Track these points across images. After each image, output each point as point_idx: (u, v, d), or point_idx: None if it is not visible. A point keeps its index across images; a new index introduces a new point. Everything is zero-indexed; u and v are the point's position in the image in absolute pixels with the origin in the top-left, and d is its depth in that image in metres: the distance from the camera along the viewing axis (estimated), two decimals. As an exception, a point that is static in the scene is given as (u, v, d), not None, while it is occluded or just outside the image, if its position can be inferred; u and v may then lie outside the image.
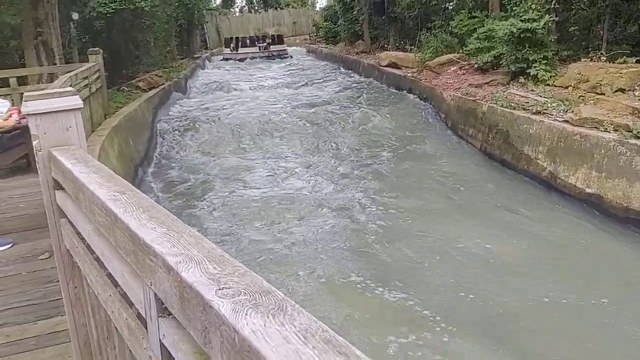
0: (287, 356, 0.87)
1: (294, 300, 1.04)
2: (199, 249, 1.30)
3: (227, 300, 1.05)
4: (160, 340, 1.46)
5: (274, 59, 35.41)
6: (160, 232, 1.43)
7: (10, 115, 8.06)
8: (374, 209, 9.48)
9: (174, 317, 1.31)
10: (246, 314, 0.99)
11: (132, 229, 1.50)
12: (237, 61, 34.83)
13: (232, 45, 38.12)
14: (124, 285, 1.78)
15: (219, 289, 1.09)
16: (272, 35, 40.57)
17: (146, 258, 1.40)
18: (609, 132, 8.69)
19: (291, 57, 35.85)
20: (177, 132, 15.39)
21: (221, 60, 35.73)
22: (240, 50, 37.67)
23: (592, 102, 9.95)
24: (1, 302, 4.36)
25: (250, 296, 1.05)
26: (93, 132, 10.54)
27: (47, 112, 2.60)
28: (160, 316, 1.43)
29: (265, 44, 38.60)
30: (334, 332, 0.92)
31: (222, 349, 1.02)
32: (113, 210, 1.68)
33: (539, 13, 12.00)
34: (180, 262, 1.24)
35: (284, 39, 40.82)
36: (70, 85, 7.95)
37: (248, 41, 39.64)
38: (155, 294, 1.41)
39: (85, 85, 10.38)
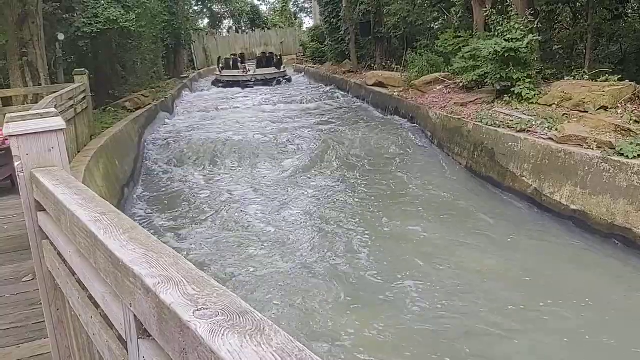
0: (263, 376, 0.87)
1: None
2: (177, 269, 1.29)
3: (205, 321, 1.04)
4: (140, 362, 1.44)
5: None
6: (140, 253, 1.43)
7: (-5, 136, 8.02)
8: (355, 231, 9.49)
9: (154, 339, 1.30)
10: (223, 335, 0.99)
11: (112, 250, 1.50)
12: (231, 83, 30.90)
13: (220, 65, 33.64)
14: (104, 307, 1.77)
15: (197, 310, 1.09)
16: (265, 55, 35.44)
17: (125, 279, 1.40)
18: (593, 149, 8.78)
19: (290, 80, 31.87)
20: (163, 152, 15.37)
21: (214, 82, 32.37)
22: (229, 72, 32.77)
23: (575, 119, 10.05)
24: (-17, 325, 4.30)
25: (228, 317, 1.05)
26: (79, 152, 10.50)
27: (29, 134, 2.59)
28: (140, 338, 1.42)
29: (244, 66, 32.93)
30: (311, 352, 0.92)
31: (200, 370, 1.02)
32: (93, 232, 1.68)
33: (522, 32, 12.15)
34: (158, 283, 1.23)
35: (282, 58, 35.40)
36: (55, 106, 7.93)
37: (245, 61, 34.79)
38: (135, 315, 1.40)
39: (70, 106, 10.34)
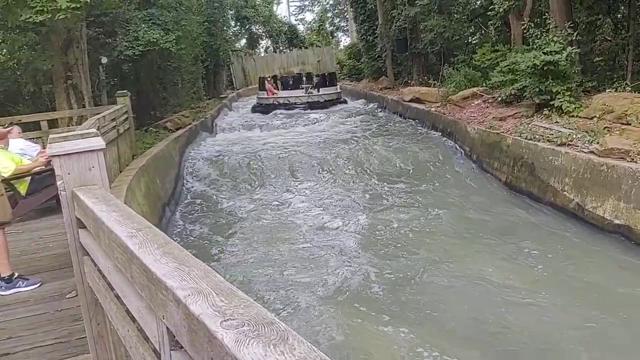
0: (284, 384, 0.90)
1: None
2: (207, 282, 1.33)
3: (231, 331, 1.08)
4: (173, 373, 1.48)
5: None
6: (172, 267, 1.47)
7: (42, 155, 8.29)
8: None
9: (185, 350, 1.34)
10: (248, 344, 1.02)
11: (146, 265, 1.55)
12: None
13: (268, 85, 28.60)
14: (140, 320, 1.82)
15: (224, 321, 1.13)
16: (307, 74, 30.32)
17: (159, 292, 1.44)
18: (636, 162, 8.58)
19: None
20: (203, 171, 15.59)
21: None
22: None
23: (617, 132, 9.84)
24: (29, 340, 4.42)
25: (253, 327, 1.08)
26: (121, 172, 10.74)
27: (70, 153, 2.69)
28: (172, 349, 1.46)
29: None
30: (332, 361, 0.95)
31: (226, 379, 1.05)
32: (129, 247, 1.74)
33: (561, 45, 12.00)
34: (189, 295, 1.27)
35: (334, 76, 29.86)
36: (98, 127, 8.16)
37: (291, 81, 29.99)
38: (167, 327, 1.44)
39: (113, 127, 10.61)
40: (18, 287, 5.48)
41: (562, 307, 6.88)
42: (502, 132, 12.58)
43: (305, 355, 0.97)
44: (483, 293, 7.38)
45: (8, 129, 8.74)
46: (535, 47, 12.64)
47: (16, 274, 5.59)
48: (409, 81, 24.77)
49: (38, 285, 5.55)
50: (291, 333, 1.05)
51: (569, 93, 11.85)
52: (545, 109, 12.29)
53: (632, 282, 7.43)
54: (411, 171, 14.02)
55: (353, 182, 13.70)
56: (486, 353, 6.00)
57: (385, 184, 13.23)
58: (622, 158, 8.91)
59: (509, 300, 7.14)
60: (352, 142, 17.42)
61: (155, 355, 1.75)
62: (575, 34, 12.43)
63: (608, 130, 10.12)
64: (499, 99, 14.52)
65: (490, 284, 7.61)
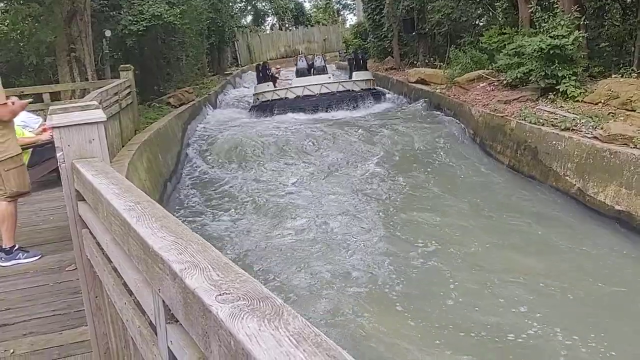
0: (278, 359, 0.89)
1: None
2: (204, 256, 1.33)
3: (226, 305, 1.07)
4: (168, 346, 1.48)
5: None
6: (169, 240, 1.47)
7: (44, 130, 8.27)
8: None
9: (180, 324, 1.34)
10: (243, 319, 1.01)
11: (143, 238, 1.54)
12: None
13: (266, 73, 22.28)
14: (137, 293, 1.82)
15: (219, 295, 1.12)
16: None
17: (155, 265, 1.44)
18: (639, 148, 8.55)
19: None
20: (206, 147, 15.58)
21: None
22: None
23: (622, 118, 9.79)
24: (28, 312, 4.45)
25: (248, 301, 1.08)
26: (123, 146, 10.73)
27: (71, 125, 2.67)
28: (168, 322, 1.46)
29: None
30: (326, 337, 0.94)
31: (220, 352, 1.05)
32: (127, 220, 1.73)
33: (568, 29, 11.88)
34: (185, 269, 1.27)
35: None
36: (101, 101, 8.13)
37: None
38: (163, 300, 1.44)
39: (115, 101, 10.57)
40: (18, 259, 5.50)
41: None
42: (506, 116, 12.52)
43: (300, 330, 0.96)
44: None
45: (27, 100, 8.69)
46: (542, 30, 12.52)
47: (17, 246, 5.61)
48: (415, 62, 24.60)
49: (38, 257, 5.57)
50: (286, 308, 1.04)
51: (575, 78, 11.76)
52: (550, 93, 12.21)
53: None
54: (414, 152, 13.98)
55: (353, 164, 13.70)
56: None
57: (388, 163, 13.22)
58: (626, 144, 8.86)
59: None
60: (353, 121, 17.45)
61: (151, 328, 1.75)
62: (582, 18, 12.30)
63: (612, 116, 10.07)
64: (505, 82, 14.42)
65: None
